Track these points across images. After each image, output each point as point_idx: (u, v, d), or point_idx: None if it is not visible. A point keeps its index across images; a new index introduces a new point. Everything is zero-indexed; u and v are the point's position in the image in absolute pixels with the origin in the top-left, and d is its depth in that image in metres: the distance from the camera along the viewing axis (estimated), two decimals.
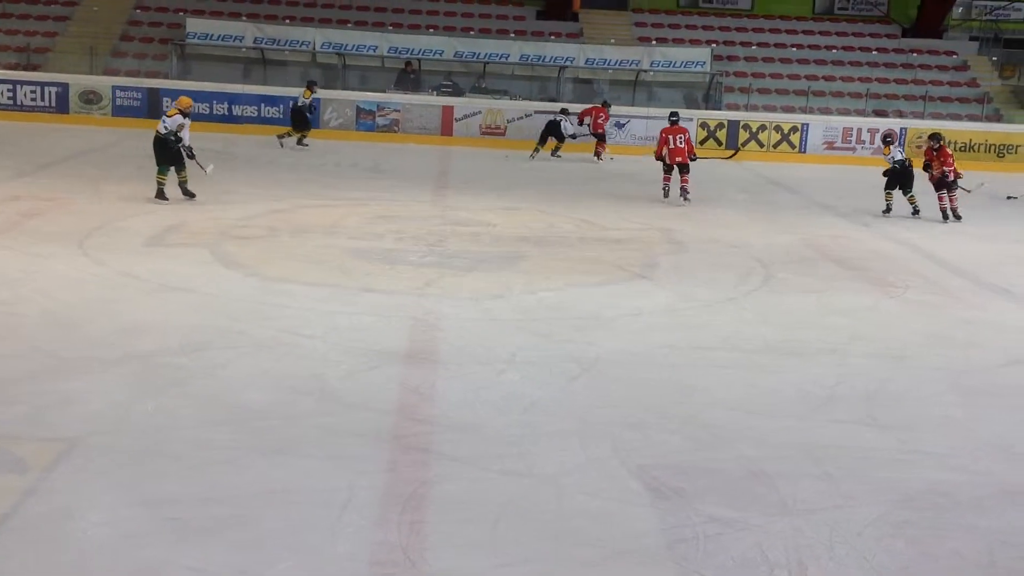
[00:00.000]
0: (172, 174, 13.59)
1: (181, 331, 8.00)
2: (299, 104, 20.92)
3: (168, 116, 13.68)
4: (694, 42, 27.36)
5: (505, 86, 25.54)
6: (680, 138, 16.15)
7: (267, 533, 4.86)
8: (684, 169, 16.02)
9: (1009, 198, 17.99)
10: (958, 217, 15.40)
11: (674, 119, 16.93)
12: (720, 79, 25.75)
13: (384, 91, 24.69)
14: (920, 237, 14.08)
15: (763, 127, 23.45)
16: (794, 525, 5.24)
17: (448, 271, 10.70)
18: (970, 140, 23.33)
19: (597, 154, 21.41)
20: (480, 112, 23.82)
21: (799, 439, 6.51)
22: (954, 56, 27.58)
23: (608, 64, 25.90)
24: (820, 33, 28.68)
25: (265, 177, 16.94)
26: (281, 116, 22.60)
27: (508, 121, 23.77)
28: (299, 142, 20.83)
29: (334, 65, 25.42)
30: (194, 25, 25.80)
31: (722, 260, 11.99)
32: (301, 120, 20.96)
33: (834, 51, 27.59)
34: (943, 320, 9.75)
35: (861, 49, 27.87)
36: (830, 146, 23.32)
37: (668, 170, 16.31)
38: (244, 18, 26.65)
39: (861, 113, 24.70)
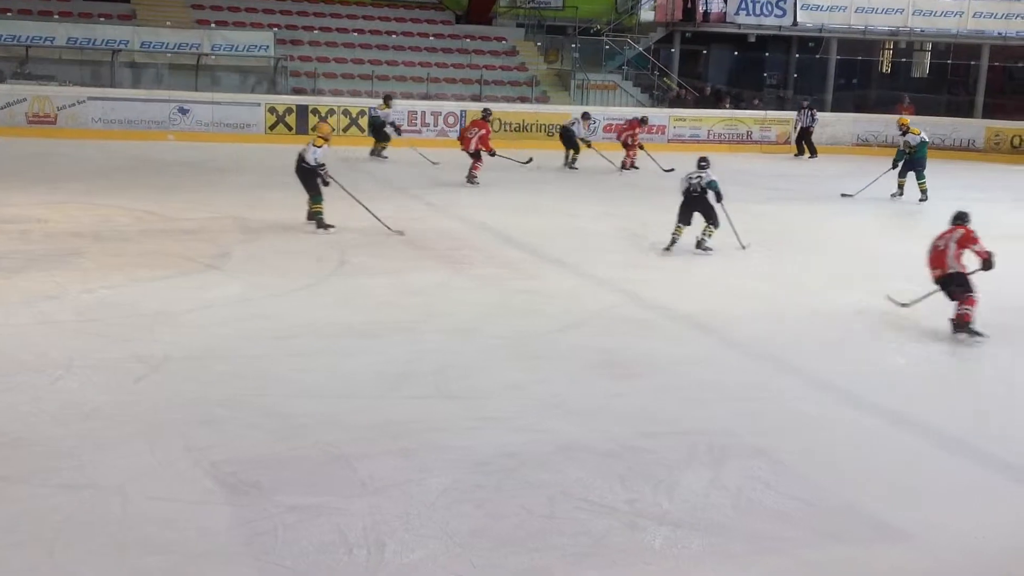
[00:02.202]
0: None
1: None
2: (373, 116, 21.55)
3: (316, 147, 12.83)
4: (256, 25, 26.89)
5: (52, 71, 23.61)
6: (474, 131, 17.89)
7: None
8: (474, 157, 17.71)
9: (667, 170, 19.19)
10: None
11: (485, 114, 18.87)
12: (285, 63, 25.54)
13: None
14: (483, 213, 14.81)
15: (332, 111, 23.59)
16: (372, 503, 5.31)
17: None
18: (523, 120, 24.99)
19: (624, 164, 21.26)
20: (26, 99, 21.86)
21: (377, 419, 6.61)
22: (504, 42, 29.36)
23: (167, 48, 24.77)
24: (380, 19, 29.30)
25: None
26: None
27: (59, 108, 22.02)
28: (376, 152, 21.05)
29: None
30: None
31: (297, 247, 11.90)
32: (379, 132, 21.15)
33: (394, 36, 28.32)
34: (505, 291, 10.34)
35: (419, 35, 28.84)
36: (397, 129, 23.97)
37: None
38: None
39: (424, 97, 25.59)
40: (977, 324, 9.12)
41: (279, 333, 8.41)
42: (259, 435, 6.23)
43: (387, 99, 21.52)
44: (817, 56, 30.10)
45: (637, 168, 20.93)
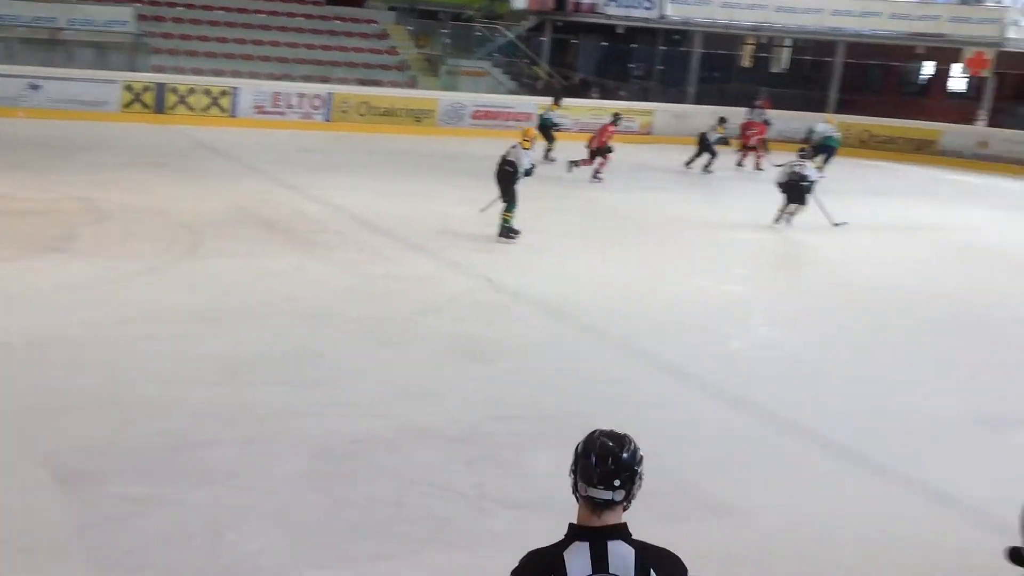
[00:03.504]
0: None
1: None
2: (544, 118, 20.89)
3: (525, 148, 12.38)
4: (117, 0, 25.93)
5: None
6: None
7: None
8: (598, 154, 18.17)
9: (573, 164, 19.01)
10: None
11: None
12: (146, 40, 24.71)
13: None
14: (345, 196, 14.63)
15: (192, 90, 22.93)
16: (213, 493, 5.21)
17: None
18: (391, 105, 24.78)
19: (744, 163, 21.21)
20: None
21: (224, 405, 6.48)
22: (375, 24, 29.03)
23: (19, 21, 23.66)
24: None
25: None
26: None
27: None
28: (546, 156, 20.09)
29: None
30: None
31: (147, 229, 11.54)
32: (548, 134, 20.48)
33: (262, 15, 27.71)
34: (363, 276, 10.26)
35: (287, 15, 28.29)
36: (261, 110, 23.47)
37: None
38: None
39: (291, 78, 25.11)
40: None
41: (124, 318, 8.15)
42: (98, 423, 6.03)
43: (557, 100, 22.01)
44: (682, 49, 30.73)
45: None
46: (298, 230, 12.11)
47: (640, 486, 2.72)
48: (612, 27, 29.66)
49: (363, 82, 25.41)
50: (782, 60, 35.79)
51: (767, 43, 34.84)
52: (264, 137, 20.33)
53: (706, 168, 20.79)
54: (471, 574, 4.81)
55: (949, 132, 25.20)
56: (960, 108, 28.72)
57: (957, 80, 32.11)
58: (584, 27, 30.66)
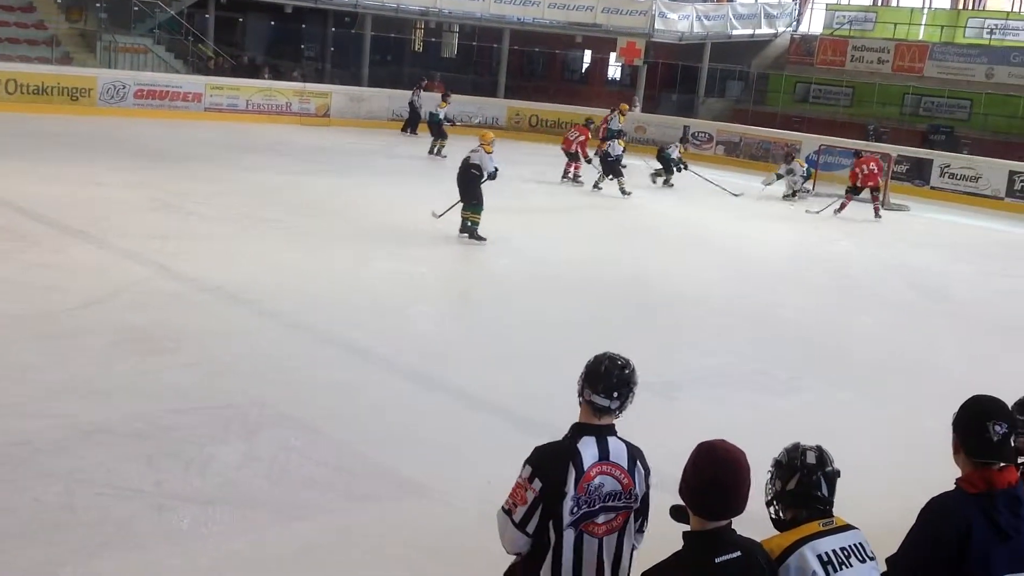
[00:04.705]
0: None
1: None
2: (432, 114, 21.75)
3: (487, 152, 12.70)
4: None
5: None
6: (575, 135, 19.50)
7: None
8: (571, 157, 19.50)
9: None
10: None
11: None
12: None
13: None
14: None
15: None
16: None
17: None
18: (43, 83, 22.95)
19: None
20: None
21: None
22: None
23: None
24: None
25: None
26: None
27: None
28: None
29: None
30: None
31: None
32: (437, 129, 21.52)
33: None
34: (19, 267, 9.45)
35: None
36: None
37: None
38: None
39: None
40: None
41: None
42: None
43: (445, 97, 22.38)
44: (353, 31, 30.63)
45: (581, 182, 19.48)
46: None
47: (632, 401, 3.28)
48: (281, 6, 29.02)
49: (7, 58, 23.35)
50: (453, 46, 36.61)
51: (436, 28, 35.47)
52: None
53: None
54: (155, 574, 4.57)
55: (612, 118, 26.56)
56: (618, 95, 30.69)
57: (614, 68, 34.25)
58: (250, 5, 29.79)
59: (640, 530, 3.36)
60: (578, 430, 3.25)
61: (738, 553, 2.86)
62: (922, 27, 31.06)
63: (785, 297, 11.51)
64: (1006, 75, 26.99)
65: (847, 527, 3.07)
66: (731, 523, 2.91)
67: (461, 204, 12.66)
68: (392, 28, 31.70)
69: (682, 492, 2.96)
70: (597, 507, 3.19)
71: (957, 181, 22.30)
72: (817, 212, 18.25)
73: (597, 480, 3.17)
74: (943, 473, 3.28)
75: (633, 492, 3.24)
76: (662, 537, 3.11)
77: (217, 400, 6.64)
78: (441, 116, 22.06)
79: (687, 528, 2.94)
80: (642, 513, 3.33)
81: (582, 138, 19.49)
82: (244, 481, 5.53)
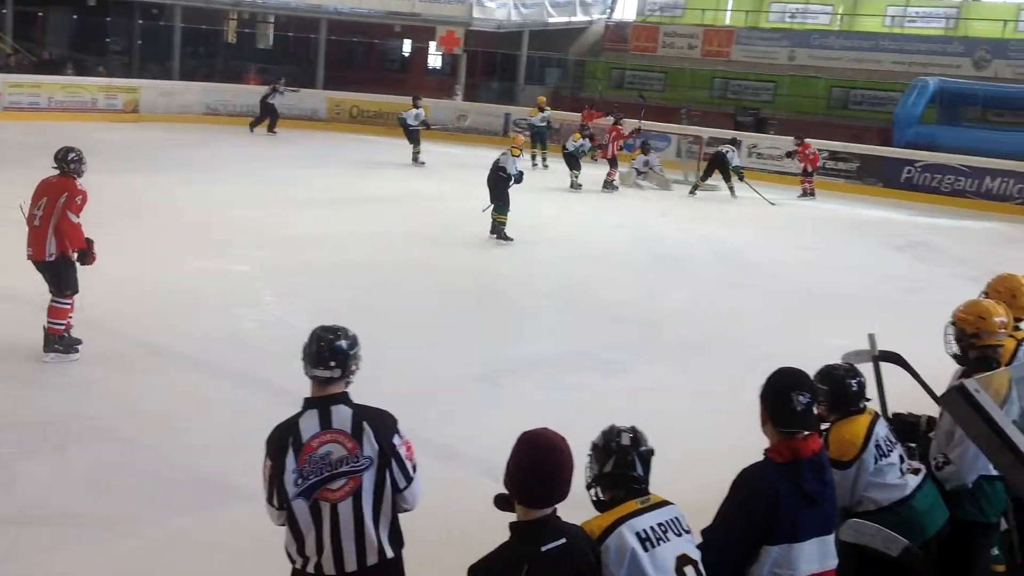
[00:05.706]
0: None
1: None
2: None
3: (514, 155, 13.54)
4: None
5: None
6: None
7: None
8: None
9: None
10: None
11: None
12: None
13: None
14: None
15: None
16: None
17: None
18: None
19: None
20: None
21: None
22: None
23: None
24: None
25: None
26: None
27: None
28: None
29: None
30: None
31: None
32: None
33: None
34: None
35: None
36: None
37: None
38: None
39: None
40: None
41: None
42: None
43: (416, 100, 21.86)
44: (162, 24, 29.53)
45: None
46: None
47: (359, 364, 3.51)
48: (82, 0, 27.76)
49: None
50: (268, 36, 35.81)
51: (250, 19, 34.62)
52: None
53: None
54: None
55: (434, 108, 26.53)
56: (439, 84, 30.67)
57: (434, 57, 34.21)
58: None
59: (400, 489, 3.40)
60: (304, 405, 3.45)
61: (563, 540, 2.92)
62: (728, 12, 32.28)
63: (605, 279, 11.78)
64: (807, 57, 28.31)
65: (663, 503, 3.18)
66: (556, 510, 2.96)
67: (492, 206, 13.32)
68: (203, 20, 30.73)
69: (507, 483, 3.00)
70: (327, 475, 3.31)
71: (765, 160, 23.31)
72: (772, 203, 18.74)
73: (322, 450, 3.32)
74: (759, 443, 3.43)
75: (360, 455, 3.33)
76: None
77: (23, 417, 6.31)
78: (416, 124, 21.44)
79: (513, 518, 2.98)
80: (398, 471, 3.38)
81: (615, 136, 19.69)
82: (56, 500, 5.29)
